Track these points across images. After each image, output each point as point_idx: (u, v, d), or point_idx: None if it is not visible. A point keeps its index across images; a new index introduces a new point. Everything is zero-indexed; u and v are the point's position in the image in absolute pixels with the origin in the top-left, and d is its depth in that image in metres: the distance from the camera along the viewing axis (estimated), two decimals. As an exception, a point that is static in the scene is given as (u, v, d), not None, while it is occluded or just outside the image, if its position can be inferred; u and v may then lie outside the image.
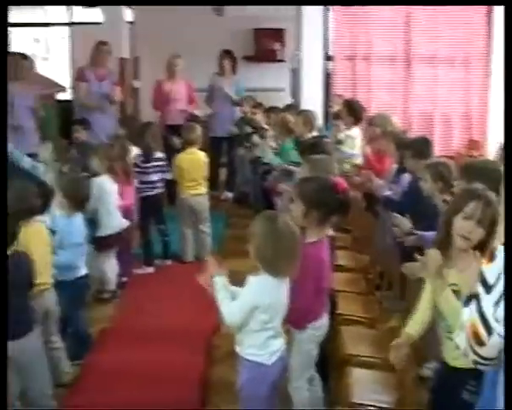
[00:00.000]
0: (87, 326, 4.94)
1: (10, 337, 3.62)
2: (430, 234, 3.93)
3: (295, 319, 3.59)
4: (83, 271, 4.73)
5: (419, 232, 4.35)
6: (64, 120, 9.80)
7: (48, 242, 4.30)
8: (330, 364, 4.09)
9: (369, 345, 4.05)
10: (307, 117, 6.93)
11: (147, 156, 6.47)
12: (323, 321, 3.74)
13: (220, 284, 3.37)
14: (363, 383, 3.70)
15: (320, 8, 9.75)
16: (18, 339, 3.66)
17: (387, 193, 5.47)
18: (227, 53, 9.15)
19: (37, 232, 4.18)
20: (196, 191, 6.74)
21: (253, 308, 3.25)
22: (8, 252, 3.64)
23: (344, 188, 3.81)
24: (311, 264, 3.51)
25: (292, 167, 6.03)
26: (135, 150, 6.52)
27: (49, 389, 3.97)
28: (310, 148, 5.41)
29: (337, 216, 3.83)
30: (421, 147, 5.30)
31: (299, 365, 3.69)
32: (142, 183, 6.43)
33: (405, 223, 4.56)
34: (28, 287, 3.78)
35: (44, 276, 4.13)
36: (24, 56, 7.57)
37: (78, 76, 8.28)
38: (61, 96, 10.65)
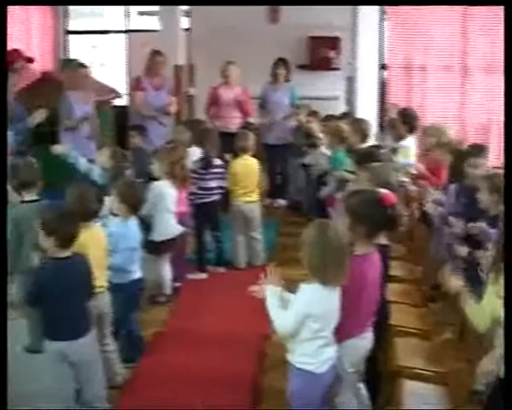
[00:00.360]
0: (140, 329, 4.99)
1: (67, 338, 3.69)
2: (493, 231, 3.87)
3: None
4: (137, 274, 4.78)
5: (483, 225, 4.29)
6: (120, 126, 9.95)
7: (104, 245, 4.37)
8: (382, 375, 4.05)
9: (422, 357, 4.00)
10: (361, 126, 6.88)
11: (206, 163, 6.51)
12: (359, 342, 3.58)
13: (272, 294, 3.38)
14: (415, 396, 3.66)
15: (376, 16, 9.73)
16: (75, 340, 3.72)
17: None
18: (281, 61, 9.15)
19: (94, 235, 4.25)
20: (249, 198, 6.76)
21: (305, 317, 3.25)
22: (67, 253, 3.71)
23: (392, 202, 3.64)
24: (350, 278, 3.33)
25: (347, 174, 5.99)
26: (193, 156, 6.57)
27: (103, 390, 4.02)
28: (365, 157, 5.37)
29: (384, 231, 3.74)
30: (477, 155, 5.23)
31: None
32: (200, 189, 6.46)
33: (459, 225, 4.52)
34: (86, 289, 3.84)
35: (99, 279, 4.19)
36: (81, 64, 7.70)
37: (135, 85, 8.39)
38: (117, 102, 10.81)
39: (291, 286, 5.51)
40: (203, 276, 6.53)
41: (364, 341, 3.61)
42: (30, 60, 7.05)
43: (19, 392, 4.37)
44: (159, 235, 5.80)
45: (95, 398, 3.95)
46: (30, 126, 6.95)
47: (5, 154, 5.01)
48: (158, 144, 6.96)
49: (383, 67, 9.80)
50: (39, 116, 6.95)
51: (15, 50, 7.16)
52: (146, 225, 5.55)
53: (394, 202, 3.66)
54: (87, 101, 7.55)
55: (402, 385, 3.73)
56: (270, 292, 3.42)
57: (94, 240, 4.24)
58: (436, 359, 3.93)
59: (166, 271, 5.93)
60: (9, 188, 5.02)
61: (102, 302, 4.30)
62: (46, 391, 4.13)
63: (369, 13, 9.79)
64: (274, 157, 9.10)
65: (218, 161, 6.63)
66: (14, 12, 10.63)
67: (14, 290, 5.02)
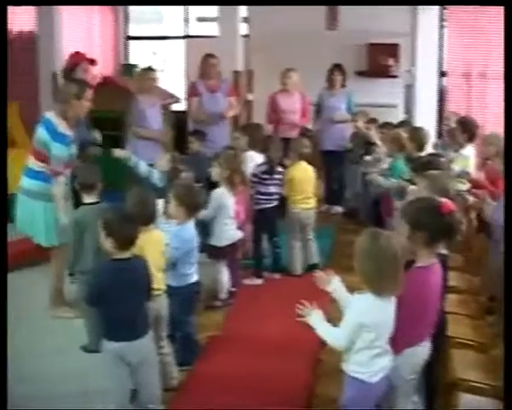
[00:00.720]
0: (195, 333, 5.03)
1: (125, 339, 3.75)
2: None
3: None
4: (194, 277, 4.83)
5: None
6: (178, 131, 10.06)
7: (162, 248, 4.42)
8: (438, 387, 4.01)
9: (479, 370, 3.94)
10: (418, 134, 6.83)
11: (270, 169, 6.49)
12: (419, 349, 3.59)
13: (315, 320, 3.45)
14: (470, 409, 3.62)
15: (436, 22, 9.64)
16: (133, 341, 3.77)
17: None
18: (337, 67, 9.12)
19: (152, 238, 4.31)
20: (307, 205, 6.75)
21: (358, 327, 3.25)
22: (127, 255, 3.77)
23: (451, 210, 3.61)
24: (413, 290, 3.40)
25: (404, 183, 5.97)
26: (255, 160, 6.60)
27: (159, 391, 4.05)
28: (423, 165, 5.33)
29: (444, 240, 3.69)
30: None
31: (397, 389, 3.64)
32: (261, 194, 6.46)
33: None
34: (145, 291, 3.89)
35: (157, 282, 4.24)
36: (152, 69, 7.81)
37: (191, 91, 8.43)
38: (176, 107, 10.95)
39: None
40: (259, 282, 6.52)
41: (424, 348, 3.61)
42: (93, 62, 7.17)
43: (74, 391, 4.46)
44: (220, 240, 5.88)
45: (150, 399, 3.98)
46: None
47: (5, 154, 5.09)
48: (218, 147, 7.00)
49: (443, 74, 9.71)
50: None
51: (78, 53, 7.28)
52: (204, 230, 5.60)
53: (453, 210, 3.63)
54: (155, 104, 7.66)
55: (457, 398, 3.70)
56: (314, 319, 3.47)
57: (152, 243, 4.30)
58: (492, 372, 3.87)
59: (225, 275, 5.98)
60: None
61: (160, 305, 4.36)
62: (102, 391, 4.22)
63: (428, 19, 9.74)
64: (331, 163, 9.08)
65: (279, 168, 6.63)
66: (77, 15, 10.90)
67: (75, 290, 5.11)
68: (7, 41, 5.38)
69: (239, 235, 6.08)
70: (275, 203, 6.58)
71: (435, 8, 9.62)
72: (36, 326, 5.51)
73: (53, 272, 5.67)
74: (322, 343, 4.98)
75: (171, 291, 4.55)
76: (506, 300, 3.35)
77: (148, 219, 4.34)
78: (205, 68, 8.25)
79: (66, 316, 5.61)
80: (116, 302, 3.71)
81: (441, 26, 9.64)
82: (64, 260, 5.59)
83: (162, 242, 4.46)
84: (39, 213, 5.39)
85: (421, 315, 3.49)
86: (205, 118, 8.14)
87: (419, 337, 3.56)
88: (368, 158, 7.81)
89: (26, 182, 5.41)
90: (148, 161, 6.67)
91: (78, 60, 6.89)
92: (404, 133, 6.90)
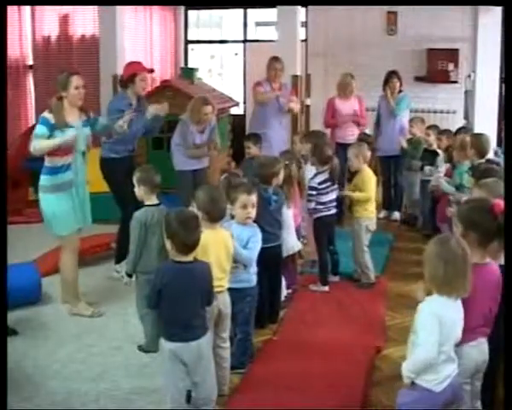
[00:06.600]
0: (253, 336, 5.00)
1: (182, 340, 3.77)
2: None
3: None
4: (254, 281, 4.81)
5: None
6: (237, 134, 10.12)
7: (229, 248, 4.40)
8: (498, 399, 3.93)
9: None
10: (480, 141, 6.71)
11: (332, 178, 6.39)
12: (468, 349, 3.43)
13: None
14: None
15: (498, 28, 9.48)
16: (190, 342, 3.77)
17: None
18: (393, 73, 9.05)
19: (218, 238, 4.32)
20: (373, 211, 6.66)
21: (439, 326, 3.15)
22: (188, 258, 3.79)
23: (502, 210, 3.56)
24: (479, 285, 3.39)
25: (461, 194, 5.91)
26: (311, 169, 6.54)
27: (214, 393, 4.03)
28: (482, 173, 5.26)
29: (496, 240, 3.58)
30: None
31: None
32: (321, 204, 6.30)
33: None
34: (204, 295, 3.88)
35: (221, 280, 4.28)
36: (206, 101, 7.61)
37: (256, 85, 8.42)
38: (234, 111, 11.01)
39: (403, 301, 5.48)
40: (325, 289, 6.36)
41: (474, 349, 3.46)
42: (151, 71, 7.20)
43: (131, 389, 4.50)
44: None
45: (205, 400, 3.96)
46: (147, 118, 6.85)
47: (5, 154, 5.15)
48: (277, 151, 7.00)
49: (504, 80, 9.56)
50: (161, 109, 6.78)
51: (135, 62, 7.22)
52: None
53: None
54: (205, 130, 7.40)
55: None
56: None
57: (217, 242, 4.30)
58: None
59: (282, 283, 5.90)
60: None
61: (223, 302, 4.34)
62: (158, 389, 4.26)
63: (490, 22, 9.60)
64: (389, 169, 9.02)
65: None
66: (138, 19, 11.07)
67: (136, 290, 5.11)
68: (6, 41, 5.53)
69: (299, 246, 6.02)
70: (334, 211, 6.46)
71: (497, 10, 9.44)
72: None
73: (63, 265, 5.75)
74: (379, 351, 5.03)
75: (240, 293, 4.55)
76: (506, 300, 3.30)
77: (218, 217, 4.34)
78: (271, 71, 8.26)
79: (83, 314, 5.71)
80: (175, 304, 3.73)
81: (503, 31, 9.46)
82: (75, 252, 5.71)
83: (228, 242, 4.41)
84: (54, 205, 5.52)
85: (469, 311, 3.34)
86: (269, 98, 8.16)
87: (468, 334, 3.39)
88: (428, 167, 7.71)
89: (42, 180, 5.58)
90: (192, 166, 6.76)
91: (135, 69, 6.78)
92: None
